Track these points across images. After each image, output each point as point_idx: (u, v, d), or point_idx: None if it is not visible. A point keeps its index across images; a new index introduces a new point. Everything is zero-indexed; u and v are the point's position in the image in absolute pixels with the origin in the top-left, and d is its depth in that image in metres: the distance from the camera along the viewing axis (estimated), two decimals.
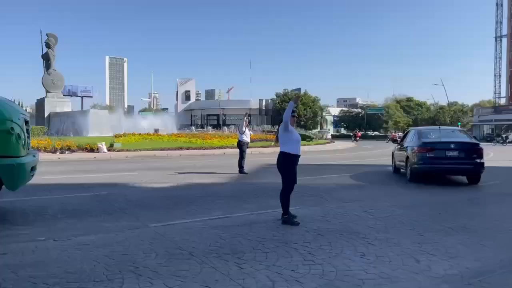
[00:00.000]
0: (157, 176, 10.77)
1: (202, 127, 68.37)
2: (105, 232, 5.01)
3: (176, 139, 25.92)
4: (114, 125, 30.86)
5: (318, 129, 69.44)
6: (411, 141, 10.57)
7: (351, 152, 25.33)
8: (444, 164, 9.30)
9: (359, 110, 78.06)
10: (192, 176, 10.98)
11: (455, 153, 9.33)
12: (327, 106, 77.75)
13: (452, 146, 9.34)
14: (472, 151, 9.42)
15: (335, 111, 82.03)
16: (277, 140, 5.66)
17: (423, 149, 9.50)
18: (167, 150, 21.12)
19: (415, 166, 9.63)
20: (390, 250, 4.44)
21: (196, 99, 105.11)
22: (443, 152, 9.35)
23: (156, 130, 31.06)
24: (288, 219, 5.47)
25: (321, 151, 26.73)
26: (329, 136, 53.62)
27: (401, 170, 11.61)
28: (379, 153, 24.40)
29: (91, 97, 76.51)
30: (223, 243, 4.62)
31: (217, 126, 67.36)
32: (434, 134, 10.39)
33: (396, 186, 9.53)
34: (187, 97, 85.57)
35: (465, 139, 9.95)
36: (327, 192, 8.34)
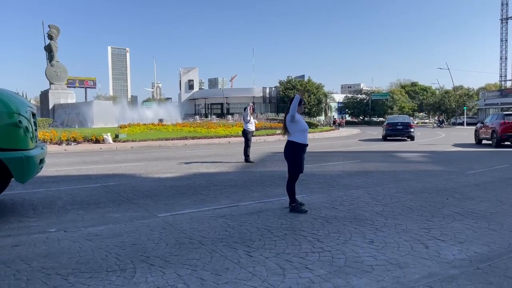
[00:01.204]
0: (163, 166, 10.81)
1: (206, 116, 68.36)
2: (114, 223, 5.06)
3: (180, 128, 25.95)
4: (118, 116, 30.93)
5: (323, 116, 69.23)
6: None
7: (356, 139, 25.24)
8: None
9: (364, 96, 77.46)
10: (198, 165, 11.02)
11: None
12: (331, 93, 77.22)
13: None
14: None
15: (340, 97, 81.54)
16: (285, 130, 5.59)
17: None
18: (172, 140, 21.17)
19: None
20: (398, 236, 4.45)
21: (199, 88, 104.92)
22: None
23: (161, 120, 31.10)
24: (295, 207, 5.50)
25: (326, 138, 26.67)
26: (337, 122, 53.36)
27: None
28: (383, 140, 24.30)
29: (94, 88, 76.67)
30: (232, 231, 4.65)
31: (221, 115, 67.35)
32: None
33: (403, 172, 9.52)
34: (190, 86, 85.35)
35: None
36: (334, 179, 8.34)
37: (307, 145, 5.62)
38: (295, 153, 5.47)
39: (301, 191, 6.82)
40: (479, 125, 19.36)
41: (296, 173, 5.53)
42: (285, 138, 5.70)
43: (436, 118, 67.94)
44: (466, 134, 30.23)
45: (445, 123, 50.50)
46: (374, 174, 9.10)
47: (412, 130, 22.17)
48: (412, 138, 21.90)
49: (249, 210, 5.65)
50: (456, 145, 18.74)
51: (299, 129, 5.49)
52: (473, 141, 19.81)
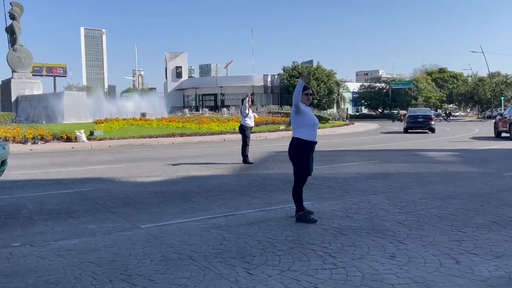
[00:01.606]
0: (146, 169, 10.82)
1: (197, 110, 68.45)
2: (90, 236, 5.06)
3: (167, 124, 25.96)
4: (93, 109, 30.93)
5: (335, 108, 69.30)
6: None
7: (374, 135, 25.27)
8: None
9: (383, 84, 77.56)
10: (188, 167, 11.02)
11: None
12: (345, 81, 77.31)
13: None
14: None
15: (354, 86, 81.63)
16: (289, 123, 5.65)
17: None
18: (157, 137, 21.20)
19: None
20: (424, 249, 4.46)
21: (189, 76, 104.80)
22: None
23: (143, 114, 31.10)
24: (303, 216, 5.50)
25: (339, 134, 26.71)
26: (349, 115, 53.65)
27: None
28: (406, 135, 24.33)
29: (65, 76, 76.69)
30: (228, 245, 4.66)
31: (214, 108, 67.44)
32: None
33: (429, 174, 9.54)
34: (178, 74, 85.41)
35: None
36: (348, 183, 8.35)
37: (316, 142, 5.60)
38: (300, 152, 5.47)
39: (309, 197, 6.83)
40: (498, 117, 22.68)
41: (303, 176, 5.53)
42: (291, 135, 5.71)
43: (443, 110, 68.71)
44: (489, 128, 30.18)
45: (452, 116, 52.19)
46: (396, 177, 9.11)
47: (432, 122, 27.17)
48: (432, 130, 26.80)
49: (248, 220, 5.65)
50: (475, 138, 20.36)
51: (305, 123, 5.45)
52: (493, 135, 22.52)
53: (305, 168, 5.46)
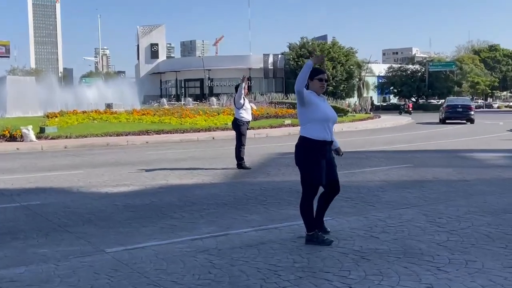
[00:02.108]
0: (113, 176, 10.80)
1: (179, 99, 68.35)
2: (40, 262, 5.06)
3: (139, 118, 25.93)
4: (44, 100, 30.88)
5: (355, 97, 69.37)
6: None
7: (405, 132, 25.31)
8: None
9: (417, 66, 77.68)
10: (167, 174, 11.01)
11: None
12: (368, 62, 77.43)
13: None
14: None
15: (380, 69, 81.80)
16: None
17: None
18: (126, 135, 21.20)
19: None
20: (471, 279, 4.47)
21: (167, 57, 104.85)
22: None
23: (109, 106, 31.07)
24: (314, 236, 5.49)
25: (361, 131, 26.74)
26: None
27: None
28: (445, 131, 24.37)
29: (8, 57, 76.59)
30: (219, 274, 4.66)
31: (201, 97, 67.33)
32: None
33: (477, 181, 9.56)
34: (153, 53, 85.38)
35: None
36: (373, 193, 8.35)
37: (330, 142, 5.56)
38: (308, 155, 5.41)
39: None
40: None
41: (311, 187, 5.48)
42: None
43: (494, 99, 69.62)
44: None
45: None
46: (434, 185, 9.12)
47: (472, 112, 32.06)
48: (471, 121, 31.82)
49: (244, 242, 5.65)
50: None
51: (314, 118, 5.41)
52: None
53: (314, 175, 5.41)
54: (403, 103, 63.50)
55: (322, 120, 5.43)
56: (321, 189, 5.73)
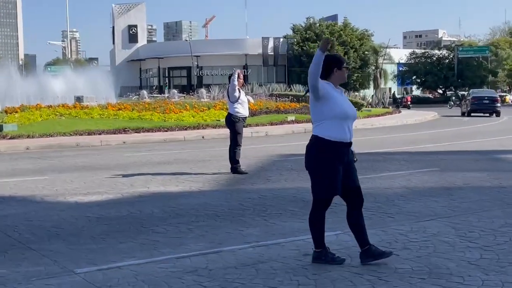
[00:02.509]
0: (84, 182, 10.79)
1: (161, 91, 68.29)
2: None
3: (115, 114, 25.92)
4: (1, 92, 30.84)
5: (371, 88, 69.36)
6: None
7: (429, 130, 25.31)
8: None
9: (445, 52, 77.71)
10: (148, 180, 11.00)
11: None
12: (386, 47, 77.47)
13: None
14: None
15: (401, 55, 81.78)
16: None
17: None
18: (100, 134, 21.16)
19: None
20: None
21: (148, 41, 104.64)
22: None
23: (79, 99, 31.09)
24: (323, 254, 5.45)
25: (378, 128, 26.72)
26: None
27: None
28: (477, 129, 24.37)
29: None
30: None
31: (188, 89, 67.36)
32: None
33: None
34: (131, 37, 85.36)
35: None
36: (392, 203, 8.36)
37: (349, 144, 5.42)
38: (322, 159, 5.31)
39: (332, 224, 6.83)
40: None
41: (324, 196, 5.41)
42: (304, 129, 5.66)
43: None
44: None
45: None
46: (464, 193, 9.13)
47: (498, 105, 37.41)
48: (498, 113, 36.75)
49: (240, 260, 5.65)
50: None
51: (331, 115, 5.24)
52: None
53: (328, 184, 5.32)
54: (399, 96, 63.46)
55: (340, 117, 5.32)
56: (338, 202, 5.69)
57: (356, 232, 5.54)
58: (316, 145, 5.37)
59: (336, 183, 5.34)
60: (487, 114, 37.19)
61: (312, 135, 5.42)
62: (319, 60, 5.15)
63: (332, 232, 6.47)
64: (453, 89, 74.80)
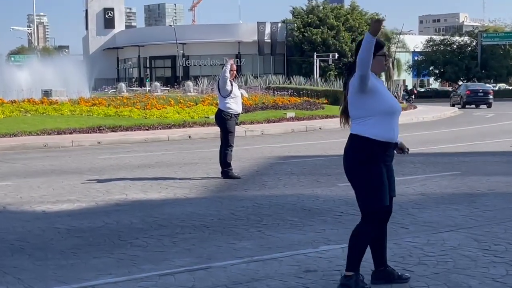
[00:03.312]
0: (53, 189, 10.76)
1: (142, 84, 68.18)
2: None
3: (88, 110, 25.87)
4: None
5: (383, 79, 69.31)
6: None
7: (448, 128, 25.34)
8: None
9: (467, 39, 77.80)
10: (126, 186, 10.99)
11: None
12: (399, 33, 77.53)
13: None
14: None
15: (417, 42, 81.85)
16: (345, 115, 5.18)
17: None
18: (71, 133, 21.09)
19: None
20: None
21: (127, 26, 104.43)
22: None
23: (47, 93, 30.98)
24: (353, 280, 5.10)
25: None
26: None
27: None
28: (502, 127, 24.39)
29: None
30: None
31: (172, 81, 67.29)
32: None
33: None
34: (107, 21, 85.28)
35: None
36: (406, 211, 8.37)
37: (396, 145, 5.29)
38: (368, 163, 5.04)
39: (339, 235, 6.83)
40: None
41: (376, 209, 5.11)
42: (344, 129, 5.27)
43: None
44: None
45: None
46: (488, 200, 9.13)
47: (491, 97, 46.31)
48: (490, 105, 45.79)
49: (231, 278, 5.64)
50: None
51: (378, 110, 4.99)
52: None
53: (375, 192, 5.07)
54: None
55: (387, 113, 5.12)
56: None
57: (375, 249, 5.38)
58: (362, 147, 5.10)
59: (386, 191, 5.15)
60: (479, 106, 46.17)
61: (352, 134, 5.15)
62: (371, 46, 4.86)
63: (338, 245, 6.47)
64: (475, 81, 74.93)
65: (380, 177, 5.08)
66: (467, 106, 45.80)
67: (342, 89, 5.41)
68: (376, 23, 4.86)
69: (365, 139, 5.02)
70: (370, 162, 5.05)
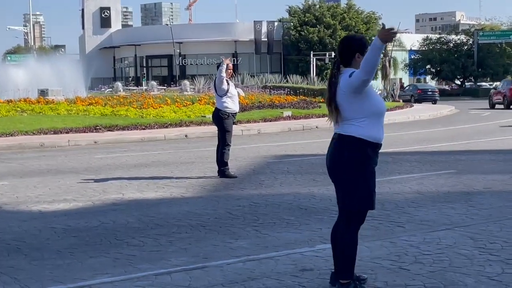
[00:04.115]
0: (49, 188, 10.77)
1: (139, 83, 68.14)
2: None
3: (85, 109, 25.86)
4: None
5: (379, 78, 69.32)
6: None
7: (445, 126, 25.35)
8: None
9: (463, 37, 77.80)
10: (122, 185, 10.99)
11: None
12: (397, 32, 77.37)
13: None
14: None
15: (413, 41, 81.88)
16: (335, 113, 5.09)
17: None
18: (67, 132, 21.07)
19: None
20: None
21: (123, 25, 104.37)
22: None
23: (43, 93, 30.95)
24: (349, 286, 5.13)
25: (387, 125, 26.58)
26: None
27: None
28: (495, 126, 24.41)
29: None
30: None
31: (169, 80, 67.26)
32: None
33: None
34: (104, 20, 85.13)
35: None
36: (402, 210, 8.38)
37: (381, 145, 5.21)
38: (359, 165, 5.03)
39: (328, 235, 6.83)
40: (492, 91, 44.34)
41: (360, 210, 5.15)
42: (328, 127, 5.22)
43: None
44: None
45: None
46: (484, 199, 9.15)
47: (437, 95, 57.63)
48: (435, 102, 54.73)
49: (227, 277, 5.65)
50: None
51: (370, 111, 5.01)
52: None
53: (366, 194, 5.09)
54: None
55: (378, 114, 5.14)
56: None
57: (336, 251, 5.28)
58: (354, 148, 5.03)
59: (374, 192, 5.17)
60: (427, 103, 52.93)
61: (344, 135, 5.06)
62: (378, 53, 4.88)
63: (328, 245, 6.46)
64: (472, 79, 74.99)
65: (373, 178, 5.11)
66: (417, 103, 49.04)
67: (327, 85, 5.27)
68: (388, 34, 4.83)
69: (360, 141, 4.99)
70: (364, 163, 5.04)
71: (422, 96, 56.19)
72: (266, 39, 73.52)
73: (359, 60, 5.02)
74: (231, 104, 11.78)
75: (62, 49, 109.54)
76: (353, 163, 5.02)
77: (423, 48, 77.81)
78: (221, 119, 11.70)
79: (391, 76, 71.98)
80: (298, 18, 70.10)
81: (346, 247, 5.10)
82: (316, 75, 55.48)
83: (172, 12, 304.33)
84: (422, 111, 35.17)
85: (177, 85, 52.38)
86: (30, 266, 6.15)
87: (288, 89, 38.38)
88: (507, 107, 38.94)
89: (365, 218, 5.25)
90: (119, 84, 54.06)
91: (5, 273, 5.90)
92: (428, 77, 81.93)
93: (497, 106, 40.78)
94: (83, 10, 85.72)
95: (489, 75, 74.95)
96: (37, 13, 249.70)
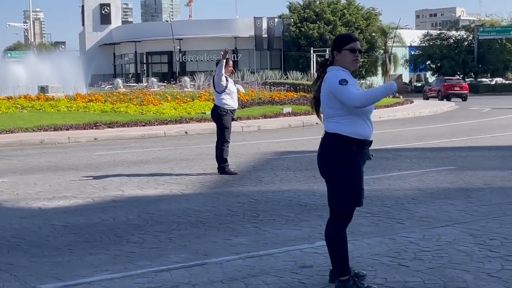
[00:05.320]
0: (49, 185, 10.77)
1: (139, 80, 68.09)
2: None
3: (85, 106, 25.83)
4: None
5: (379, 75, 69.34)
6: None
7: (445, 122, 25.34)
8: None
9: (463, 33, 77.69)
10: (122, 182, 10.99)
11: None
12: (396, 28, 77.43)
13: None
14: None
15: (414, 37, 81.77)
16: (316, 106, 5.17)
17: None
18: (67, 129, 21.07)
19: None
20: None
21: (123, 22, 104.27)
22: None
23: (43, 89, 30.94)
24: (349, 284, 5.11)
25: (388, 121, 26.72)
26: None
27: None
28: (500, 122, 24.40)
29: None
30: None
31: (169, 77, 67.16)
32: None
33: None
34: (104, 17, 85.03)
35: None
36: (402, 206, 8.38)
37: (371, 142, 5.20)
38: (345, 162, 5.03)
39: None
40: (426, 87, 56.90)
41: (350, 206, 5.19)
42: (319, 126, 5.28)
43: None
44: None
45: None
46: (484, 195, 9.16)
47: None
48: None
49: (227, 274, 5.66)
50: None
51: (354, 109, 4.96)
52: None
53: (353, 191, 5.09)
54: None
55: (362, 111, 5.10)
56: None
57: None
58: (339, 145, 5.05)
59: (362, 190, 5.15)
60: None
61: (329, 133, 5.09)
62: (387, 93, 5.11)
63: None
64: (473, 76, 74.95)
65: (360, 175, 5.11)
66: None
67: (313, 82, 5.39)
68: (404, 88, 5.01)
69: (344, 138, 5.00)
70: (350, 161, 5.04)
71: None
72: (266, 36, 73.43)
73: (340, 56, 5.11)
74: (230, 101, 11.76)
75: (62, 46, 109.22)
76: (338, 160, 5.04)
77: (423, 44, 77.70)
78: (219, 116, 11.68)
79: (391, 72, 72.13)
80: (298, 14, 70.03)
81: (336, 244, 5.15)
82: (316, 72, 55.34)
83: (172, 8, 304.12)
84: (422, 107, 35.11)
85: (177, 81, 52.25)
86: (29, 263, 6.15)
87: (288, 86, 38.30)
88: (441, 99, 48.34)
89: (352, 215, 5.26)
90: (119, 81, 53.93)
91: (5, 270, 5.91)
92: (429, 73, 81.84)
93: (430, 99, 50.89)
94: (83, 6, 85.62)
95: (490, 71, 74.93)
96: (37, 9, 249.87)
